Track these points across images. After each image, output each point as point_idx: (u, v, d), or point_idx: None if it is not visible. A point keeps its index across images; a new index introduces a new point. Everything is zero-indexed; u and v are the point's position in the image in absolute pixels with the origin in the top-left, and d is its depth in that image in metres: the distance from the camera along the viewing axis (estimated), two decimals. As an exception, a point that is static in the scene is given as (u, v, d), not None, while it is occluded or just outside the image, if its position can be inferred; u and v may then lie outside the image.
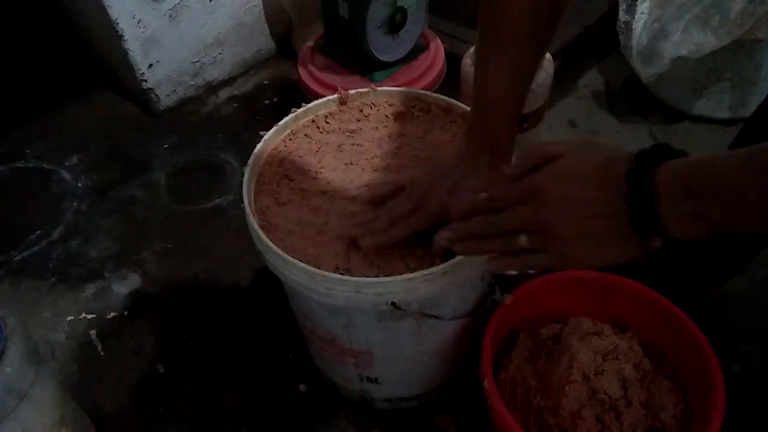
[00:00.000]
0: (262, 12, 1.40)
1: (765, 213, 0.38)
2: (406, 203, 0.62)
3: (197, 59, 1.34)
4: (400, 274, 0.57)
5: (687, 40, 1.04)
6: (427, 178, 0.64)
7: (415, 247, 0.62)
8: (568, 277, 0.76)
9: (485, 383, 0.65)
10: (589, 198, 0.46)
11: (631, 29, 1.12)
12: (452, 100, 0.76)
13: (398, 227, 0.61)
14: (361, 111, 0.78)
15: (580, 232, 0.47)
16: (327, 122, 0.77)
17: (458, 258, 0.58)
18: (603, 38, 1.34)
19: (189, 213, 1.12)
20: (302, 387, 0.86)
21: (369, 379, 0.75)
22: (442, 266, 0.57)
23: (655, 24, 1.08)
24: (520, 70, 0.58)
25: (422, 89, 0.83)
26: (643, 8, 1.10)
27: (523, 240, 0.50)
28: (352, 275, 0.59)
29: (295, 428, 0.82)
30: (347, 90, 0.79)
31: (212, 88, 1.40)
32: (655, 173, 0.42)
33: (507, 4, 0.55)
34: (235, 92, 1.39)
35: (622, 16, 1.14)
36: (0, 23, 1.43)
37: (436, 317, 0.63)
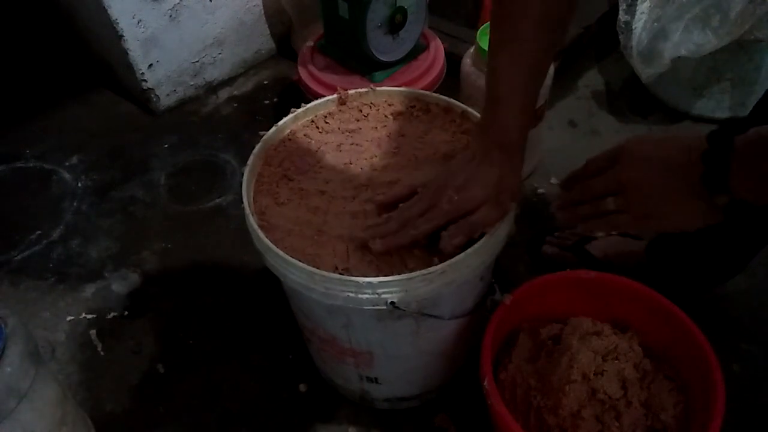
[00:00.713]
0: (262, 12, 1.40)
1: None
2: (417, 205, 0.62)
3: (197, 59, 1.34)
4: (399, 274, 0.57)
5: (687, 40, 1.04)
6: (438, 180, 0.63)
7: (413, 247, 0.62)
8: (568, 277, 0.76)
9: (485, 383, 0.65)
10: (669, 157, 0.51)
11: (631, 29, 1.12)
12: (451, 100, 0.76)
13: (408, 229, 0.60)
14: (361, 111, 0.78)
15: (657, 187, 0.52)
16: (326, 122, 0.77)
17: (456, 258, 0.58)
18: (603, 38, 1.34)
19: (189, 213, 1.12)
20: (302, 387, 0.86)
21: (369, 379, 0.75)
22: (440, 266, 0.57)
23: (655, 24, 1.08)
24: (534, 63, 0.59)
25: (422, 89, 0.83)
26: (643, 8, 1.10)
27: (609, 202, 0.55)
28: (351, 275, 0.59)
29: (295, 428, 0.82)
30: (346, 90, 0.79)
31: (212, 88, 1.40)
32: (737, 138, 0.46)
33: None
34: (235, 92, 1.39)
35: (622, 16, 1.14)
36: (0, 23, 1.44)
37: (435, 317, 0.63)
